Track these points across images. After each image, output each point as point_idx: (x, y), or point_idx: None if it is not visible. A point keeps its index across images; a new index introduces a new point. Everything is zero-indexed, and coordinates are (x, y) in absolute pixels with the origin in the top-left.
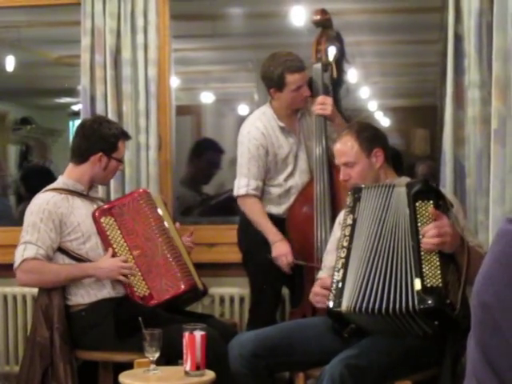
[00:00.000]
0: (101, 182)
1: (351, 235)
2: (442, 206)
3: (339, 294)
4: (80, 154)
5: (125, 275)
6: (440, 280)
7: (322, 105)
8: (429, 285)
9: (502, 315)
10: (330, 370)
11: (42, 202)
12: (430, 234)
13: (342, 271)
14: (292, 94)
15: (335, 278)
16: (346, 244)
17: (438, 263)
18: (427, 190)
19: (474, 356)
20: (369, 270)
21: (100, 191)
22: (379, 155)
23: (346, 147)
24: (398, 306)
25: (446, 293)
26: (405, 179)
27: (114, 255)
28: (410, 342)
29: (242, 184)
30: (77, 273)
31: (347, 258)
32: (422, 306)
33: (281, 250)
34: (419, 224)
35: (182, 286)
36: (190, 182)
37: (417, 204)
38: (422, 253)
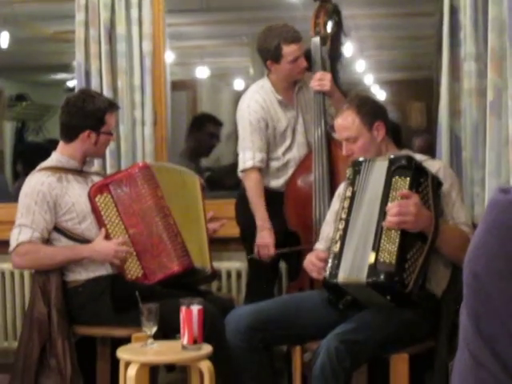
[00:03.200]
0: (94, 155)
1: (350, 207)
2: (422, 183)
3: (336, 265)
4: (68, 133)
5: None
6: (394, 257)
7: (321, 80)
8: (381, 259)
9: (493, 284)
10: (326, 345)
11: (37, 183)
12: (390, 212)
13: (339, 243)
14: (289, 66)
15: (333, 249)
16: (344, 216)
17: (397, 240)
18: (407, 167)
19: (466, 325)
20: (359, 242)
21: (96, 166)
22: (381, 128)
23: (347, 122)
24: (354, 277)
25: (398, 270)
26: (406, 152)
27: (107, 236)
28: (406, 316)
29: (248, 157)
30: (72, 256)
31: (345, 229)
32: (369, 280)
33: (265, 240)
34: (389, 200)
35: (176, 267)
36: (191, 154)
37: (393, 179)
38: (384, 228)
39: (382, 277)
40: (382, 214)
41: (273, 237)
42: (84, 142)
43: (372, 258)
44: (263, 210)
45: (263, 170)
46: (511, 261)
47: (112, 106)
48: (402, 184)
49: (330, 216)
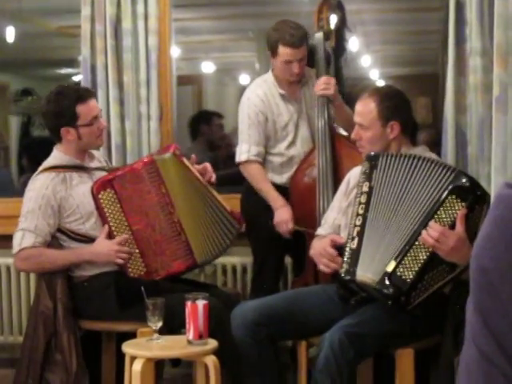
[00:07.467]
0: (91, 148)
1: (367, 203)
2: (475, 209)
3: (354, 262)
4: (52, 134)
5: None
6: (412, 275)
7: (326, 84)
8: (398, 273)
9: (500, 279)
10: (329, 338)
11: (42, 186)
12: (430, 232)
13: (356, 239)
14: (281, 65)
15: (349, 245)
16: (361, 212)
17: (422, 259)
18: (469, 191)
19: (473, 320)
20: (381, 242)
21: (102, 161)
22: (395, 128)
23: (365, 109)
24: (363, 274)
25: (409, 289)
26: (423, 149)
27: (110, 233)
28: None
29: (244, 150)
30: (74, 259)
31: (363, 226)
32: (377, 286)
33: (282, 217)
34: (436, 216)
35: (178, 266)
36: (208, 147)
37: (449, 197)
38: (417, 242)
39: (390, 289)
40: (422, 226)
41: (290, 212)
42: (68, 139)
43: (391, 266)
44: (272, 190)
45: (265, 164)
46: None
47: (80, 97)
48: (456, 208)
49: (336, 202)
